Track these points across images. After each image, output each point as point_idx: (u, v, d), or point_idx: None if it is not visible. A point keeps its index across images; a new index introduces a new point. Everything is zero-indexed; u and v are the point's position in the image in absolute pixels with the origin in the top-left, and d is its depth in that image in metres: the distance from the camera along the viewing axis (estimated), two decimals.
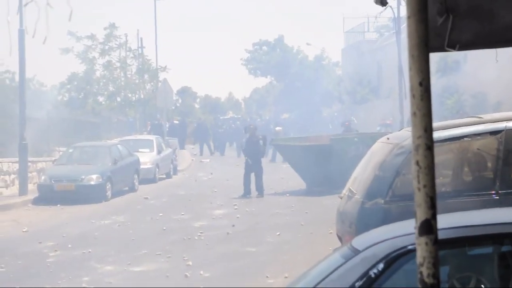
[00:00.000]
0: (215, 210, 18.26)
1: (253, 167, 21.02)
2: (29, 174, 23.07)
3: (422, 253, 2.39)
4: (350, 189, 7.64)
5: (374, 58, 54.62)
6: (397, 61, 32.89)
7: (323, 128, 42.92)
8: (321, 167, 20.85)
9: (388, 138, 7.70)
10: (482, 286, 3.88)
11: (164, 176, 27.79)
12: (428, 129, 2.43)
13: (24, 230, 15.97)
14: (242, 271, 11.01)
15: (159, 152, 27.39)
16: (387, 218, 6.48)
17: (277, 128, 36.36)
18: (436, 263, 2.38)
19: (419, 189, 2.41)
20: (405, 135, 7.33)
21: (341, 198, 7.97)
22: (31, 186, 22.56)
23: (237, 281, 10.30)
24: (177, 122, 48.81)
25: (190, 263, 11.57)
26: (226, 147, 41.41)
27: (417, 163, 2.42)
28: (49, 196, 20.75)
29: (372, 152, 7.77)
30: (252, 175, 21.02)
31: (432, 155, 2.43)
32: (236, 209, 18.43)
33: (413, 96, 2.44)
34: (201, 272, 10.91)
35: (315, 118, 51.44)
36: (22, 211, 19.57)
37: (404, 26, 30.02)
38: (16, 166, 22.68)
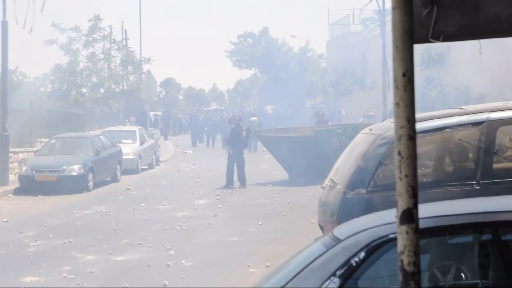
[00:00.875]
0: (198, 200, 18.25)
1: (235, 158, 21.11)
2: (10, 165, 22.93)
3: (403, 241, 2.41)
4: (332, 179, 7.66)
5: (358, 50, 54.70)
6: (381, 53, 32.95)
7: (309, 120, 42.96)
8: (304, 158, 20.93)
9: (370, 129, 7.73)
10: (462, 274, 3.90)
11: (147, 167, 27.75)
12: (411, 119, 2.44)
13: (4, 220, 15.89)
14: (224, 260, 11.03)
15: (141, 143, 27.34)
16: (369, 208, 6.51)
17: (252, 118, 36.35)
18: (416, 252, 2.39)
19: (400, 179, 2.42)
20: (387, 126, 7.35)
21: (323, 188, 7.99)
22: (12, 177, 22.42)
23: (219, 270, 10.31)
24: (160, 113, 48.77)
25: (172, 252, 11.57)
26: (213, 139, 41.37)
27: (399, 153, 2.43)
28: (30, 186, 20.65)
29: (355, 143, 7.79)
30: (235, 166, 21.10)
31: (414, 145, 2.44)
32: (218, 199, 18.44)
33: (396, 86, 2.45)
34: (183, 261, 10.92)
35: (300, 110, 51.48)
36: (2, 201, 19.46)
37: (389, 18, 30.10)
38: None
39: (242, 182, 21.02)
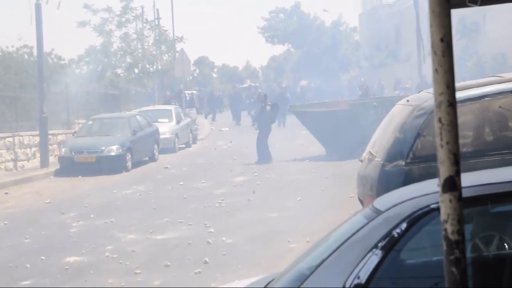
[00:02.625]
0: (235, 178, 18.31)
1: (261, 134, 21.36)
2: (50, 147, 23.24)
3: (446, 210, 2.37)
4: (370, 152, 7.61)
5: (391, 22, 54.16)
6: (415, 24, 32.57)
7: (349, 94, 42.76)
8: (341, 132, 20.83)
9: (408, 100, 7.64)
10: (505, 244, 3.86)
11: (184, 145, 27.88)
12: (450, 85, 2.40)
13: (46, 201, 16.11)
14: (264, 236, 11.06)
15: (178, 121, 27.46)
16: (408, 180, 6.45)
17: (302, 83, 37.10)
18: (460, 220, 2.36)
19: (442, 146, 2.39)
20: (425, 96, 7.27)
21: (361, 161, 7.95)
22: (52, 159, 22.73)
23: (260, 247, 10.35)
24: (195, 92, 48.71)
25: (212, 230, 11.63)
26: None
27: (440, 120, 2.39)
28: (70, 168, 20.90)
29: (392, 115, 7.72)
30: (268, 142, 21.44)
31: (455, 112, 2.40)
32: (256, 176, 18.47)
33: (434, 52, 2.40)
34: (223, 238, 10.97)
35: (336, 84, 51.19)
36: (44, 183, 19.74)
37: None
38: (37, 139, 22.84)
39: (264, 158, 21.27)
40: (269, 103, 22.38)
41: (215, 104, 46.03)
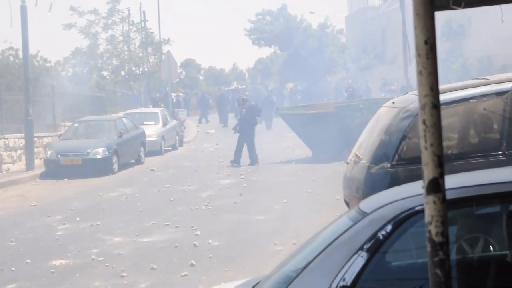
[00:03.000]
0: (222, 180, 18.30)
1: (244, 138, 21.28)
2: (35, 150, 23.15)
3: (430, 211, 2.38)
4: (356, 154, 7.63)
5: (378, 24, 54.33)
6: (401, 26, 32.69)
7: (335, 96, 42.78)
8: (327, 134, 20.86)
9: (393, 102, 7.66)
10: (490, 246, 3.87)
11: (170, 148, 27.84)
12: (434, 87, 2.41)
13: (32, 204, 16.04)
14: (251, 239, 11.06)
15: (164, 124, 27.42)
16: (393, 182, 6.47)
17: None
18: (444, 222, 2.37)
19: (426, 148, 2.40)
20: (410, 98, 7.29)
21: (347, 163, 7.96)
22: (37, 161, 22.65)
23: (246, 249, 10.35)
24: (181, 94, 48.60)
25: (199, 232, 11.62)
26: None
27: (424, 122, 2.40)
28: (55, 170, 20.83)
29: (378, 117, 7.73)
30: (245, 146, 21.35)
31: (439, 114, 2.41)
32: (242, 178, 18.47)
33: (419, 54, 2.41)
34: (210, 241, 10.96)
35: (322, 86, 51.23)
36: (29, 186, 19.65)
37: None
38: (22, 141, 22.74)
39: (253, 160, 21.11)
40: (245, 106, 22.09)
41: (206, 106, 45.97)
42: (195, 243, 10.84)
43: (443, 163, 2.39)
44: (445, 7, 3.07)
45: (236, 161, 21.26)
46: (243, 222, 12.47)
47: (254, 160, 21.22)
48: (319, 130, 21.16)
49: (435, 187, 2.38)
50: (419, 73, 2.41)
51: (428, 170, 2.39)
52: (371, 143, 7.31)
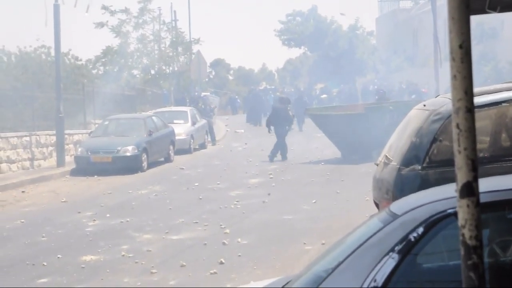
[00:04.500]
0: (251, 179, 18.35)
1: (276, 135, 22.51)
2: (66, 147, 23.39)
3: (464, 215, 2.40)
4: (386, 156, 7.62)
5: (409, 26, 54.02)
6: (432, 29, 32.48)
7: (364, 98, 42.57)
8: (356, 136, 20.83)
9: (424, 105, 7.65)
10: None
11: (198, 147, 27.95)
12: (468, 91, 2.43)
13: (63, 200, 16.22)
14: (279, 238, 11.09)
15: (193, 123, 27.55)
16: (423, 184, 6.46)
17: (323, 96, 37.37)
18: (478, 225, 2.38)
19: (459, 152, 2.41)
20: (441, 101, 7.28)
21: (377, 165, 7.96)
22: (68, 158, 22.89)
23: (275, 248, 10.38)
24: (208, 94, 48.51)
25: (228, 231, 11.67)
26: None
27: (457, 126, 2.42)
28: (86, 167, 21.02)
29: (409, 119, 7.73)
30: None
31: (473, 118, 2.42)
32: (271, 178, 18.50)
33: (453, 59, 2.43)
34: (239, 239, 11.01)
35: (352, 88, 51.00)
36: (60, 182, 19.86)
37: None
38: (53, 138, 22.97)
39: (283, 155, 22.44)
40: (282, 104, 23.22)
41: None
42: (224, 241, 10.89)
43: (477, 167, 2.41)
44: (481, 11, 3.08)
45: (278, 156, 22.31)
46: (272, 221, 12.50)
47: (284, 155, 22.40)
48: (349, 131, 21.13)
49: (469, 190, 2.40)
50: (454, 77, 2.42)
51: (462, 174, 2.41)
52: (402, 145, 7.30)
